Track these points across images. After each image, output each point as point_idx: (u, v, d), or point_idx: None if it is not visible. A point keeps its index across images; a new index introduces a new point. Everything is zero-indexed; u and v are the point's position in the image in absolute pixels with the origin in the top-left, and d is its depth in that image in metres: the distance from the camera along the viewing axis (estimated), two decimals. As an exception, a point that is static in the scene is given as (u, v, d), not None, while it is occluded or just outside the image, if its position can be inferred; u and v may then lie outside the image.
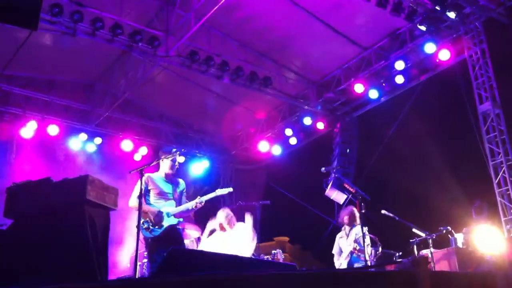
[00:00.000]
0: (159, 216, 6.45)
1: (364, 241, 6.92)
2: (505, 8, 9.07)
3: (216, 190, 6.79)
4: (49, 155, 11.47)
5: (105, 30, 9.05)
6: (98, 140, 12.03)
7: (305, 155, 12.75)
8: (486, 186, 9.05)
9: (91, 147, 12.02)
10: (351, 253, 8.05)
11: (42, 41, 9.82)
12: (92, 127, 11.81)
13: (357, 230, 8.24)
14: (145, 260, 8.32)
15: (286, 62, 11.36)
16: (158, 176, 6.77)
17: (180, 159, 13.14)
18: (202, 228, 10.03)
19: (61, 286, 2.50)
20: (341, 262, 8.25)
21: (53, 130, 11.27)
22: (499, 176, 9.00)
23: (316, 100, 11.93)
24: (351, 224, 8.39)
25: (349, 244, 8.19)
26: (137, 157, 12.52)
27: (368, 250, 7.55)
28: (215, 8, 8.67)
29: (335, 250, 8.53)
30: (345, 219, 8.43)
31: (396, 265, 7.74)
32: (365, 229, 7.06)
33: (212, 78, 10.71)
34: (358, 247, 7.84)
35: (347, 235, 8.36)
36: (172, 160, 6.75)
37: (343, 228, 8.57)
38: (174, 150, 6.81)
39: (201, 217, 11.36)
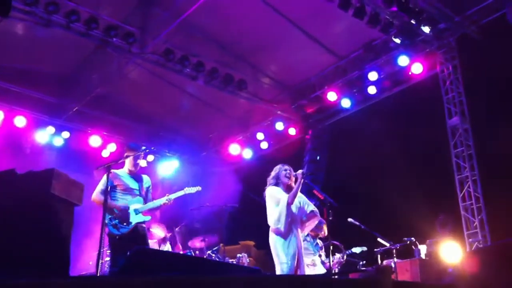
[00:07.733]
0: (124, 211, 6.38)
1: (330, 249, 6.97)
2: (478, 26, 9.26)
3: (185, 189, 6.78)
4: (15, 147, 11.21)
5: (80, 23, 8.89)
6: (66, 134, 11.78)
7: (275, 160, 12.66)
8: (452, 200, 9.21)
9: (59, 141, 11.77)
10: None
11: (13, 30, 9.59)
12: (60, 120, 11.57)
13: (318, 240, 8.43)
14: (108, 259, 8.19)
15: (262, 67, 11.35)
16: (123, 172, 6.72)
17: (149, 157, 13.04)
18: (168, 228, 9.95)
19: (18, 281, 2.43)
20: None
21: (20, 121, 11.01)
22: (464, 190, 9.18)
23: (290, 106, 11.97)
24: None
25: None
26: (105, 153, 12.34)
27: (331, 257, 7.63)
28: (192, 8, 8.66)
29: None
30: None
31: (360, 274, 7.81)
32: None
33: (187, 78, 10.64)
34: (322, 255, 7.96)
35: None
36: (134, 158, 6.73)
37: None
38: (142, 148, 6.79)
39: (167, 217, 11.28)
